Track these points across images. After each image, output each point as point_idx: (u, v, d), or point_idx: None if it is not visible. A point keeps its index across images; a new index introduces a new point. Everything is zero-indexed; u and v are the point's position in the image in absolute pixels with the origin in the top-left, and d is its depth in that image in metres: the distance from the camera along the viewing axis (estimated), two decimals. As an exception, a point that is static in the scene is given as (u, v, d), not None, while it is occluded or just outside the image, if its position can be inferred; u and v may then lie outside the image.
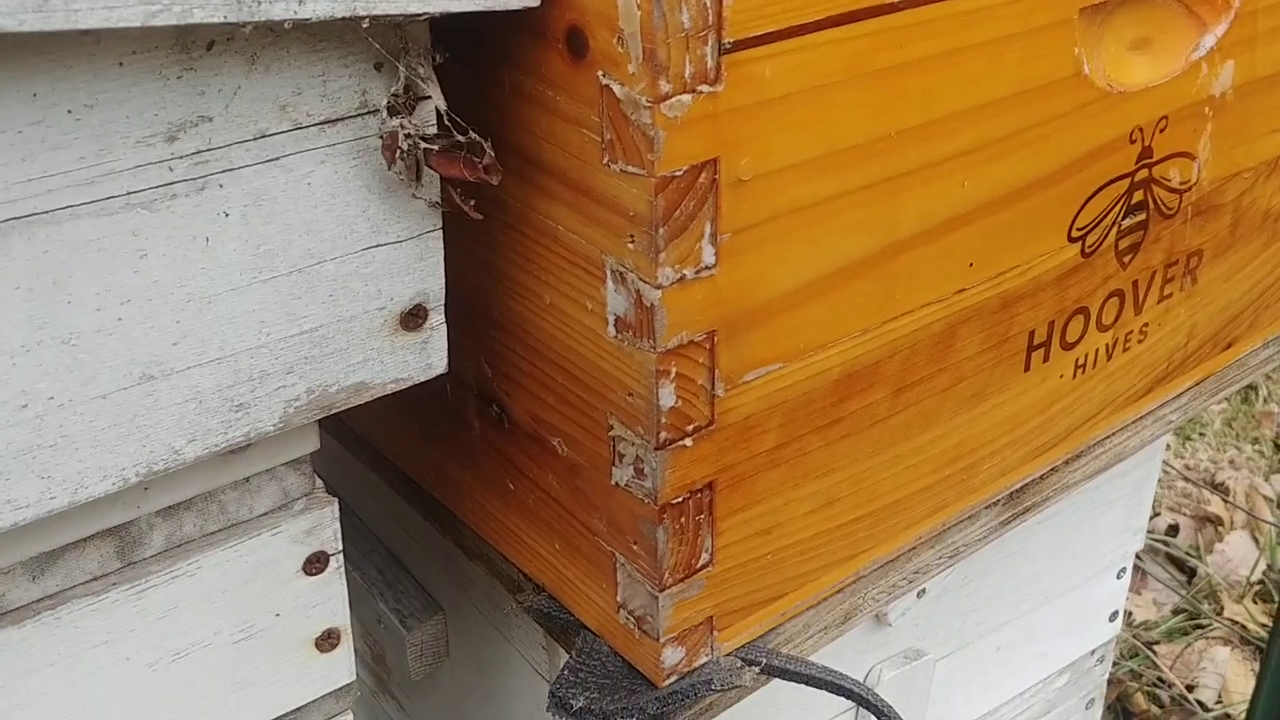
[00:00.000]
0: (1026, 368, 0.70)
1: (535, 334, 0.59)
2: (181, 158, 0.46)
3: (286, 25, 0.44)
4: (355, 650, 0.62)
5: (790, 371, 0.58)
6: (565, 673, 0.62)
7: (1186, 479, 1.92)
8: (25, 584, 0.52)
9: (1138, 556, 1.04)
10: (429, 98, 0.50)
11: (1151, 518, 1.81)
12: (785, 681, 0.65)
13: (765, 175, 0.52)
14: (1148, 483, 0.99)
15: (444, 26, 0.50)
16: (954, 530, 0.72)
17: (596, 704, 0.60)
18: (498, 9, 0.48)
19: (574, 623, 0.65)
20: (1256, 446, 2.01)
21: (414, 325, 0.54)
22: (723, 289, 0.53)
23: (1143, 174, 0.69)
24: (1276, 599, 1.71)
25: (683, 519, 0.57)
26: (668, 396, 0.54)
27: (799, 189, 0.54)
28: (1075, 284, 0.69)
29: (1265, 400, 2.10)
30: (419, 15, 0.47)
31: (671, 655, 0.60)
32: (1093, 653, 1.06)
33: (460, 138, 0.51)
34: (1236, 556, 1.79)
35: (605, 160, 0.50)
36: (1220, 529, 1.84)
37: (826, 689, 0.64)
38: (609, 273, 0.53)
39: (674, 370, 0.53)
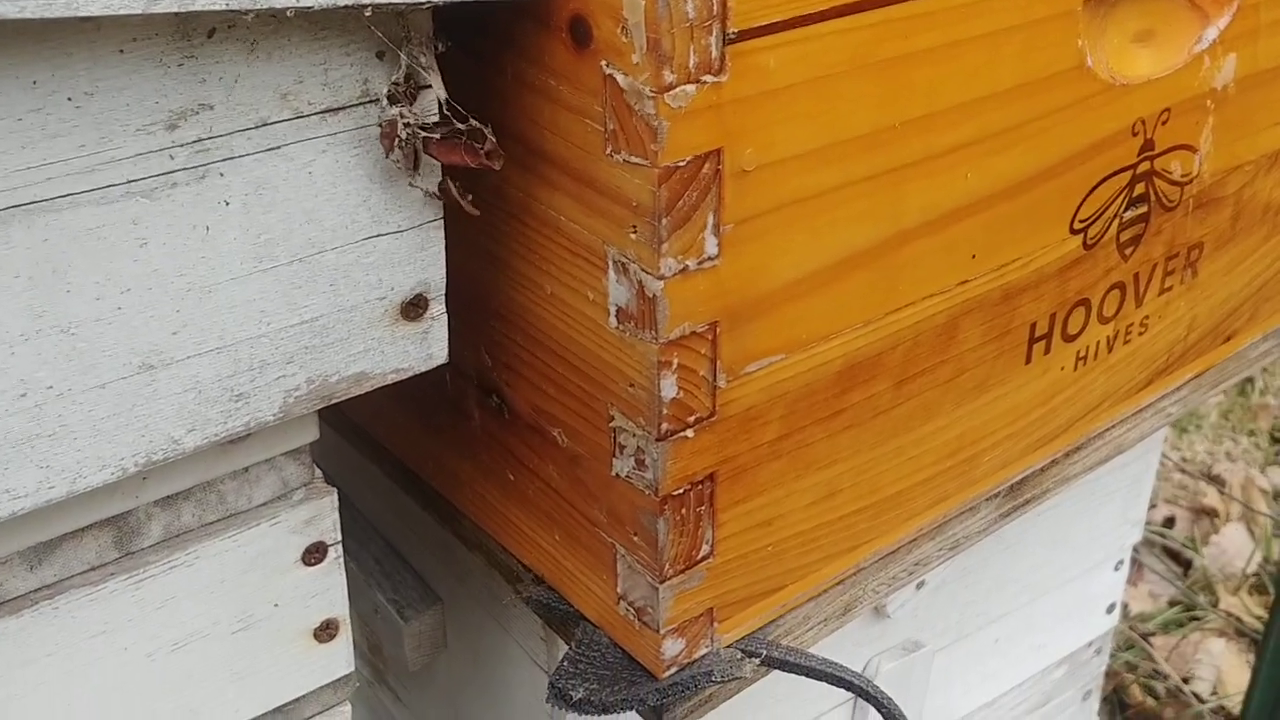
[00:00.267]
0: (1028, 360, 0.70)
1: (536, 324, 0.59)
2: (182, 146, 0.46)
3: (288, 13, 0.44)
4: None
5: (792, 363, 0.58)
6: (565, 664, 0.62)
7: (1183, 471, 1.92)
8: (23, 574, 0.52)
9: (1134, 549, 1.05)
10: (430, 87, 0.50)
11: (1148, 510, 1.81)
12: (784, 673, 0.65)
13: (769, 166, 0.52)
14: (1146, 475, 1.00)
15: (447, 14, 0.50)
16: (954, 522, 0.72)
17: (596, 695, 0.60)
18: (501, -3, 0.48)
19: (573, 614, 0.65)
20: (1253, 439, 2.01)
21: (415, 315, 0.54)
22: (725, 280, 0.53)
23: (1144, 166, 0.69)
24: (1272, 591, 1.71)
25: (683, 510, 0.57)
26: (669, 388, 0.53)
27: (802, 180, 0.53)
28: (1077, 276, 0.69)
29: (1261, 392, 2.10)
30: (422, 3, 0.47)
31: (672, 647, 0.60)
32: (1090, 644, 1.07)
33: (461, 126, 0.51)
34: (1232, 549, 1.79)
35: (608, 150, 0.50)
36: (1216, 521, 1.85)
37: (826, 680, 0.64)
38: (611, 263, 0.53)
39: (676, 361, 0.53)
